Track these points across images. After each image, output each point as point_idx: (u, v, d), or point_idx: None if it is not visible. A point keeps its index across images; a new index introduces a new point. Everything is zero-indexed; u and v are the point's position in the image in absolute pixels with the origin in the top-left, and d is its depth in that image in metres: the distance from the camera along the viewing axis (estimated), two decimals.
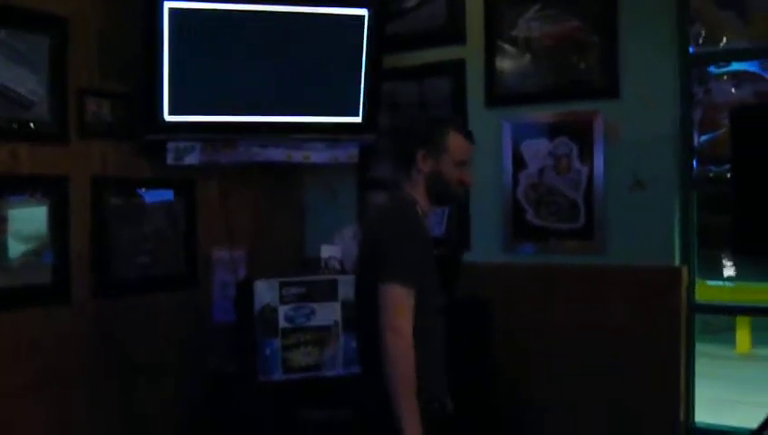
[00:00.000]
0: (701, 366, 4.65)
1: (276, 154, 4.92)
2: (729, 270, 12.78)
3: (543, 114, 4.75)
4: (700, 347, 4.66)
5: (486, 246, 4.95)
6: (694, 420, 4.53)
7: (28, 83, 4.19)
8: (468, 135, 3.29)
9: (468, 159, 3.26)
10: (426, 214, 3.24)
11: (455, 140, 3.20)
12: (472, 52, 5.00)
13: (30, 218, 4.22)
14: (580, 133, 4.62)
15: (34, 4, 4.21)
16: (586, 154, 4.61)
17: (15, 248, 4.13)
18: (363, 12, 4.78)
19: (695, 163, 4.49)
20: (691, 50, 4.47)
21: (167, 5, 4.37)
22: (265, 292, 4.37)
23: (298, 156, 4.97)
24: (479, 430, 4.30)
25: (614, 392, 4.49)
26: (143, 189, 4.78)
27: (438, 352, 3.16)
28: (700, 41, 4.51)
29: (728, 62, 4.45)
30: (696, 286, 4.55)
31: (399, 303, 2.93)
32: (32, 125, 4.20)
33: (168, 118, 4.53)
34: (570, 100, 4.67)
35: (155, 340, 4.76)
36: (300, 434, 4.33)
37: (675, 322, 4.39)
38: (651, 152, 4.43)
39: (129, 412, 4.63)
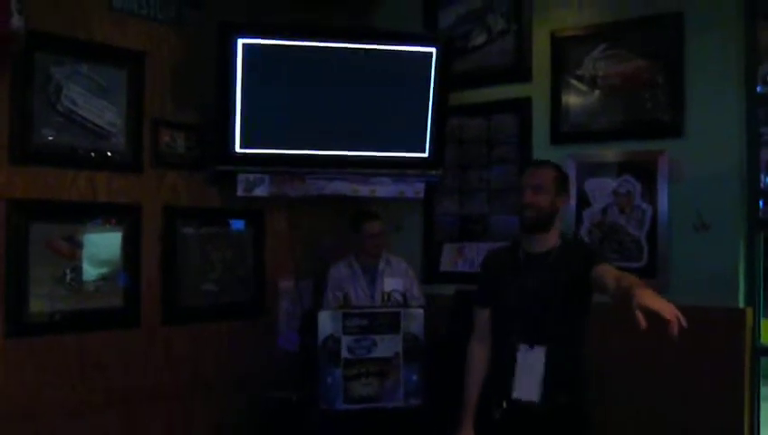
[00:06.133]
0: (767, 411, 4.58)
1: (343, 187, 5.03)
2: None
3: (608, 152, 4.75)
4: (765, 392, 4.58)
5: None
6: None
7: (107, 115, 4.37)
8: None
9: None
10: None
11: None
12: (538, 89, 5.04)
13: (105, 244, 4.38)
14: (644, 172, 4.61)
15: (115, 39, 4.42)
16: (650, 193, 4.59)
17: (90, 272, 4.29)
18: (431, 49, 4.88)
19: (761, 204, 4.43)
20: (758, 89, 4.43)
21: (241, 41, 4.54)
22: (329, 322, 4.45)
23: (365, 190, 5.07)
24: None
25: None
26: (213, 220, 4.92)
27: None
28: None
29: None
30: (762, 329, 4.45)
31: None
32: (109, 154, 4.38)
33: (239, 150, 4.67)
34: (635, 138, 4.66)
35: (219, 365, 4.88)
36: None
37: (739, 364, 4.31)
38: (716, 192, 4.39)
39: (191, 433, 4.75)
